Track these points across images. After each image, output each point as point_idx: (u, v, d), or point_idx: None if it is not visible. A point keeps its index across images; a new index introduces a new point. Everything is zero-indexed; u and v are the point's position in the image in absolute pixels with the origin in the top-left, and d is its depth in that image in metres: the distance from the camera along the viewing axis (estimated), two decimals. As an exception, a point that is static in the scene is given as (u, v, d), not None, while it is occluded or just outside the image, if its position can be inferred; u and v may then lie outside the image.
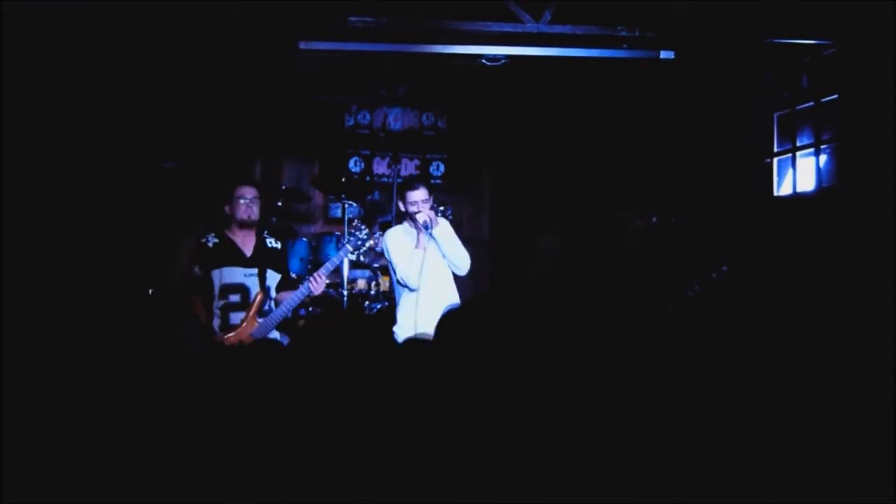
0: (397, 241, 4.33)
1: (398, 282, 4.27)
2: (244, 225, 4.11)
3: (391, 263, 4.33)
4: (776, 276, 4.92)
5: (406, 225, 4.41)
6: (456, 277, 4.36)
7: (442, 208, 4.62)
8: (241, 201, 4.09)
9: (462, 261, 4.31)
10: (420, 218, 4.18)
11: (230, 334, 3.96)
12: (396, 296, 4.42)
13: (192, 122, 6.20)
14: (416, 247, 4.22)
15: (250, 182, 4.22)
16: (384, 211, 6.55)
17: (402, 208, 4.34)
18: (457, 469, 2.19)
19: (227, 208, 4.13)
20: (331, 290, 5.74)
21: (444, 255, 4.28)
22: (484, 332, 2.61)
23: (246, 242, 4.16)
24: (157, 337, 4.02)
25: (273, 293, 4.20)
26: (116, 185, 5.24)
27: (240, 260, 4.10)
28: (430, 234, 4.20)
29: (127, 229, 5.15)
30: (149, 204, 5.52)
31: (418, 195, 4.25)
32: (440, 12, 5.01)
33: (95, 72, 4.93)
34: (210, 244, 4.07)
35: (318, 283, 4.09)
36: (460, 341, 2.50)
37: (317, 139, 7.04)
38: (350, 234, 4.42)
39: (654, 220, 5.42)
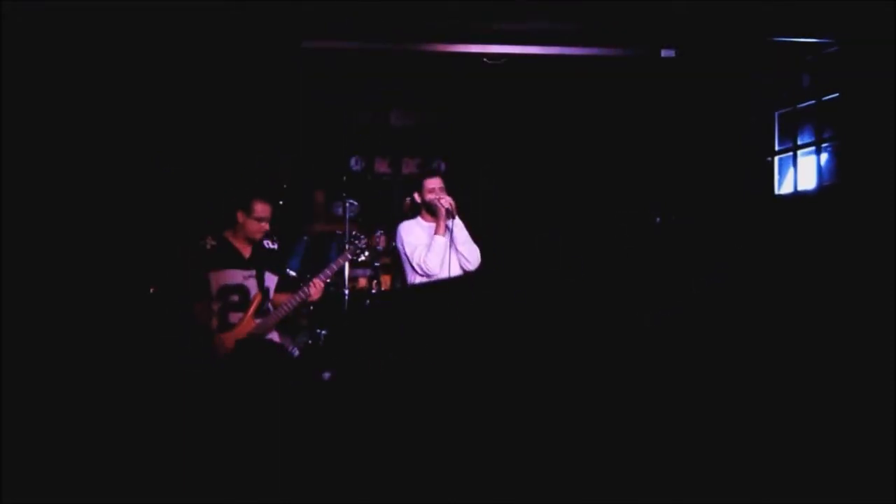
0: (414, 232, 4.30)
1: (415, 269, 4.19)
2: (251, 241, 4.16)
3: (407, 253, 4.24)
4: (777, 275, 4.92)
5: (419, 219, 4.39)
6: None
7: None
8: (257, 219, 4.12)
9: (473, 254, 4.28)
10: (444, 203, 4.19)
11: (226, 333, 3.97)
12: None
13: (193, 122, 6.20)
14: (437, 233, 4.20)
15: (267, 197, 4.22)
16: (385, 210, 6.56)
17: (419, 199, 4.33)
18: (460, 469, 2.18)
19: (239, 216, 4.14)
20: (331, 287, 5.75)
21: (457, 248, 4.22)
22: (484, 330, 2.60)
23: (244, 245, 4.19)
24: (157, 337, 4.03)
25: (272, 294, 4.22)
26: (117, 186, 5.24)
27: (238, 262, 4.13)
28: (453, 220, 4.19)
29: (127, 229, 5.15)
30: (149, 204, 5.52)
31: (436, 182, 4.29)
32: (441, 12, 5.01)
33: (96, 72, 4.93)
34: (208, 246, 4.10)
35: (315, 289, 4.14)
36: (460, 339, 2.50)
37: (318, 138, 7.04)
38: (349, 242, 4.43)
39: (658, 220, 5.42)
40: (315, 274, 4.20)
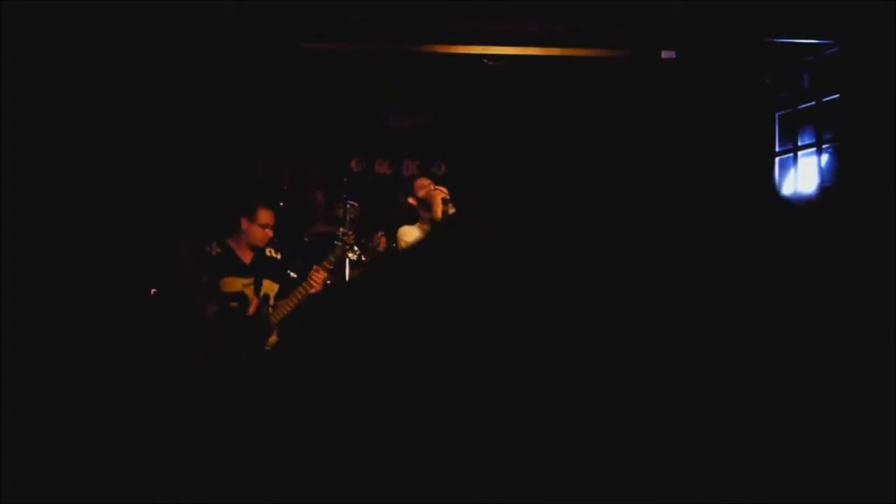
0: (413, 233, 4.35)
1: None
2: (254, 248, 4.14)
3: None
4: (777, 276, 4.91)
5: (418, 224, 4.43)
6: None
7: None
8: (261, 225, 4.10)
9: None
10: (438, 195, 4.27)
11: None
12: None
13: (193, 124, 6.19)
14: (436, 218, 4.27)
15: (270, 204, 4.22)
16: (385, 211, 6.55)
17: (414, 201, 4.40)
18: (451, 468, 2.18)
19: (243, 223, 4.11)
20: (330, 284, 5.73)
21: None
22: (482, 330, 2.60)
23: (245, 252, 4.17)
24: (159, 339, 4.03)
25: (271, 302, 4.20)
26: (119, 186, 5.24)
27: (238, 269, 4.10)
28: (449, 209, 4.28)
29: (129, 230, 5.14)
30: (151, 205, 5.52)
31: (426, 181, 4.44)
32: (441, 12, 5.01)
33: (96, 73, 4.93)
34: (213, 253, 4.08)
35: (317, 280, 4.10)
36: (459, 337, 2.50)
37: (318, 139, 7.04)
38: (350, 246, 4.43)
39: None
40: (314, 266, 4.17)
